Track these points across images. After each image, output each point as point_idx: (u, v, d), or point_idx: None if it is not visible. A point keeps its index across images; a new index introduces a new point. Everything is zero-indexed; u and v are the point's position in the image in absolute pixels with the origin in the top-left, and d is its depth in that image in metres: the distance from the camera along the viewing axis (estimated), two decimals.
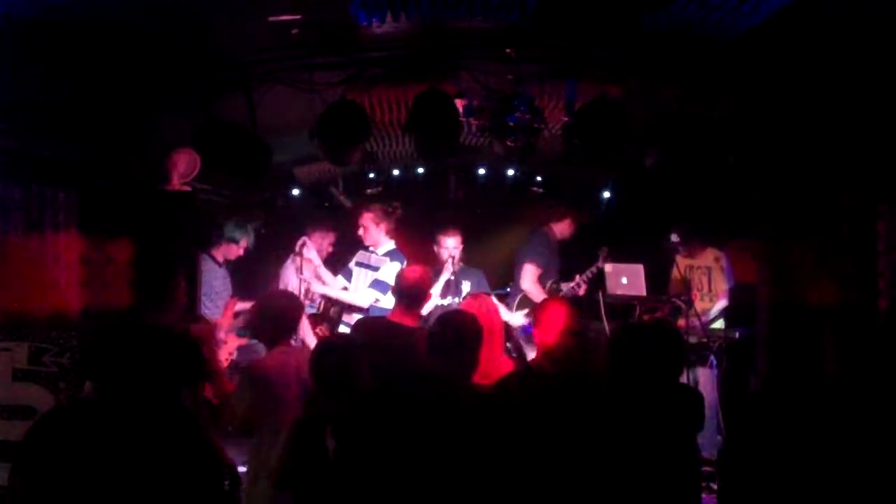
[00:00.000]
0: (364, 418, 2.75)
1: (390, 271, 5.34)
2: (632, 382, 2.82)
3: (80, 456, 2.04)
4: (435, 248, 5.60)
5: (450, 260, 5.37)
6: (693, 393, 3.23)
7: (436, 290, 5.16)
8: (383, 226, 5.62)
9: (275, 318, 3.50)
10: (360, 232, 5.65)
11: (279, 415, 3.18)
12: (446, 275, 5.35)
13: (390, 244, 5.66)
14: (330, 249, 6.25)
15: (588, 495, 2.74)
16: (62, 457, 2.04)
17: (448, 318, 3.12)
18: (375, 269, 5.58)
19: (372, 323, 4.72)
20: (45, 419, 2.20)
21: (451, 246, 5.48)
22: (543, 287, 5.96)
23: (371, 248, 5.69)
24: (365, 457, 2.68)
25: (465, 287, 5.51)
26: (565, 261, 6.27)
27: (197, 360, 2.66)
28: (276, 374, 3.31)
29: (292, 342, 3.80)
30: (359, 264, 5.75)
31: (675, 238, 5.83)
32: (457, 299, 5.26)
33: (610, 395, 2.86)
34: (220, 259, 5.71)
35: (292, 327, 3.65)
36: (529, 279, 5.94)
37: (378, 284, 5.46)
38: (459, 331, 2.96)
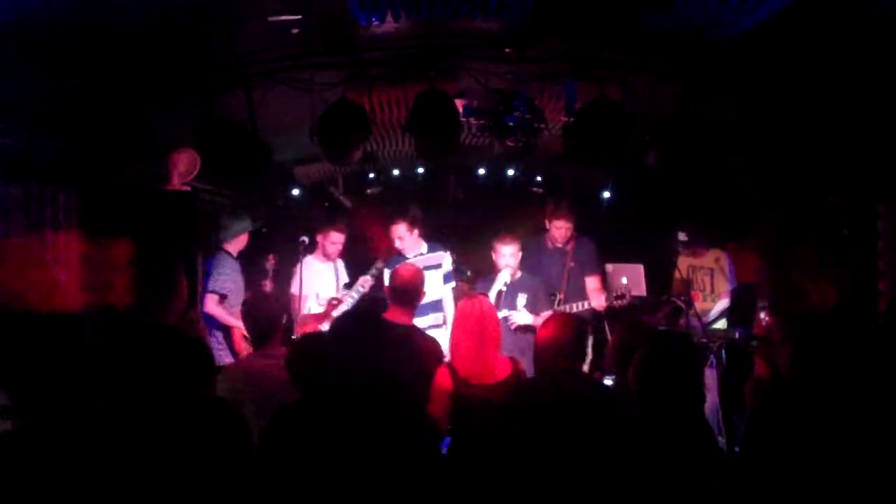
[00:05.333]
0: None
1: (448, 260, 5.58)
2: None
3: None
4: (493, 256, 5.25)
5: (506, 269, 5.03)
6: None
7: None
8: (416, 230, 5.53)
9: (259, 320, 3.55)
10: (398, 244, 5.49)
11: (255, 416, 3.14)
12: (499, 285, 5.02)
13: (423, 243, 5.60)
14: (340, 248, 6.16)
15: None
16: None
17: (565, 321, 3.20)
18: (437, 266, 5.51)
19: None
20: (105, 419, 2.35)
21: (507, 254, 5.08)
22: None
23: (412, 255, 5.52)
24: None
25: (521, 300, 5.09)
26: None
27: (209, 360, 2.70)
28: (252, 377, 3.32)
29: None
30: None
31: (682, 237, 5.72)
32: (513, 312, 5.02)
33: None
34: (235, 253, 5.68)
35: (275, 330, 3.64)
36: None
37: (448, 276, 5.58)
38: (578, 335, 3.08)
